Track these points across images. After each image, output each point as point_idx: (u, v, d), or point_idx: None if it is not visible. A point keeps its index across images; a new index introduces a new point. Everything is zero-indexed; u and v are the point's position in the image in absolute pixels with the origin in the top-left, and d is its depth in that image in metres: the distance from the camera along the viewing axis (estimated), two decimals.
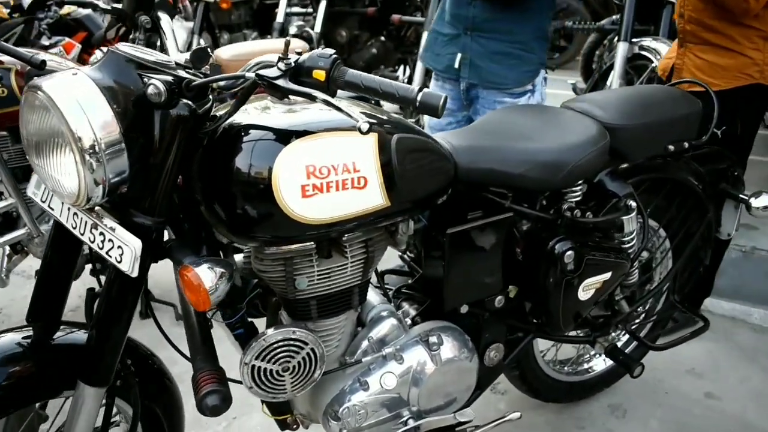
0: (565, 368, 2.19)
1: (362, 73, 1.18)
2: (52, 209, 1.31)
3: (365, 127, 1.08)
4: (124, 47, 1.20)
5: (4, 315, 2.93)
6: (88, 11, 5.31)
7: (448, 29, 2.45)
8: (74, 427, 1.35)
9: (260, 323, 1.55)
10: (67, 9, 5.23)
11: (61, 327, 1.42)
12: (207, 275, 1.21)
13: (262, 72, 1.17)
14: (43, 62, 2.17)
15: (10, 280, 2.58)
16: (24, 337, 1.37)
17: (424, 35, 2.59)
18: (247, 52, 2.49)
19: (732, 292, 2.80)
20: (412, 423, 1.60)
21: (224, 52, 2.74)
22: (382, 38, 4.35)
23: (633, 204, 1.79)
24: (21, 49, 2.18)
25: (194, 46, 3.80)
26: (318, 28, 3.61)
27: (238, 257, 1.50)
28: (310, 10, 3.93)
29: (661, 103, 1.88)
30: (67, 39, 4.74)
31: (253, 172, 1.22)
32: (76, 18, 5.12)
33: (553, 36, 5.94)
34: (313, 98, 1.14)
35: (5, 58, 2.28)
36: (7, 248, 2.56)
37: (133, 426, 1.48)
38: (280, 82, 1.15)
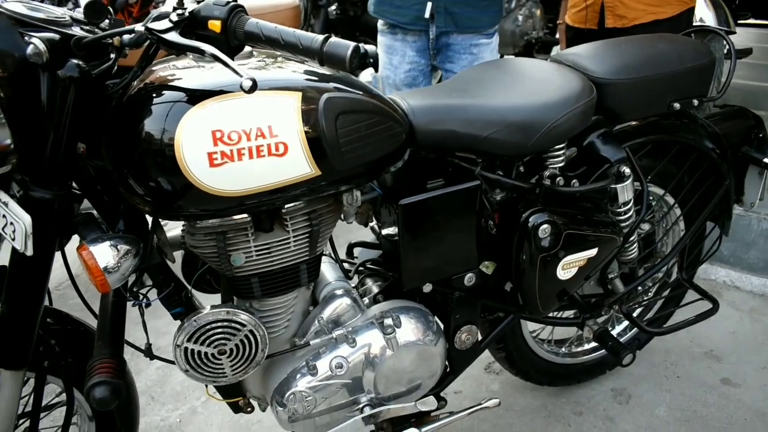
0: (561, 349, 2.01)
1: (264, 23, 1.03)
2: None
3: (247, 84, 0.94)
4: (7, 4, 1.08)
5: None
6: None
7: None
8: None
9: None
10: None
11: None
12: (105, 254, 1.11)
13: (151, 25, 1.03)
14: None
15: None
16: None
17: None
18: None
19: (763, 266, 2.54)
20: (368, 410, 1.47)
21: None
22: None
23: (627, 170, 1.59)
24: None
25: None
26: None
27: (175, 232, 1.39)
28: None
29: (665, 55, 1.65)
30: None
31: (156, 139, 1.08)
32: None
33: None
34: (201, 53, 0.99)
35: None
36: None
37: (68, 409, 1.41)
38: (170, 36, 1.01)
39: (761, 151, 1.87)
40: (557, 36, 3.35)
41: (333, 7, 3.80)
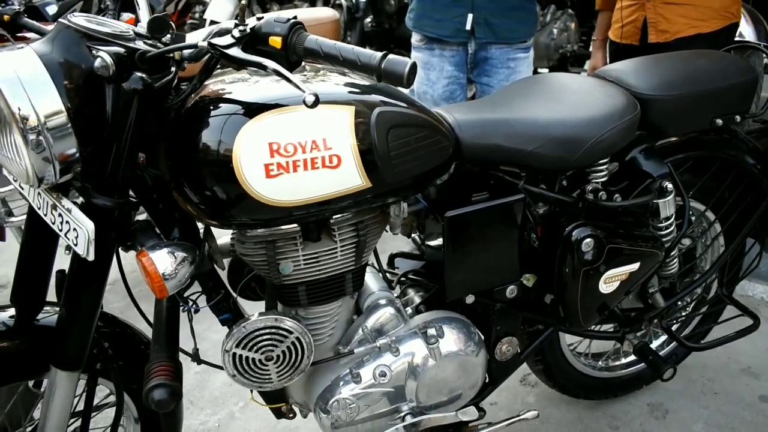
0: (599, 363, 2.01)
1: (322, 39, 1.06)
2: (22, 189, 1.27)
3: (310, 99, 0.97)
4: (76, 18, 1.13)
5: None
6: None
7: None
8: (49, 411, 1.32)
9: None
10: None
11: (45, 308, 1.40)
12: (164, 261, 1.15)
13: (214, 40, 1.07)
14: None
15: None
16: (9, 317, 1.35)
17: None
18: None
19: None
20: (410, 419, 1.49)
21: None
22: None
23: (669, 186, 1.59)
24: (43, 26, 2.17)
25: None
26: None
27: (224, 240, 1.42)
28: None
29: (708, 71, 1.65)
30: (129, 15, 4.81)
31: (214, 150, 1.12)
32: None
33: None
34: (263, 68, 1.03)
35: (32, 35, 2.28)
36: None
37: (117, 410, 1.45)
38: (232, 51, 1.05)
39: None
40: (591, 50, 3.37)
41: (368, 20, 3.84)
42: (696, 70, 1.66)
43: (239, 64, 1.07)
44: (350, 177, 1.19)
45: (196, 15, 5.35)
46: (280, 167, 1.13)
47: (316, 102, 0.97)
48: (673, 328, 2.01)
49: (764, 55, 2.30)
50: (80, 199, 1.18)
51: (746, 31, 2.63)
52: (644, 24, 2.27)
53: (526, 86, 1.64)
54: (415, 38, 2.47)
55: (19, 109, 1.02)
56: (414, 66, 1.02)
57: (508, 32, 2.31)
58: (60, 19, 1.12)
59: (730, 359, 2.22)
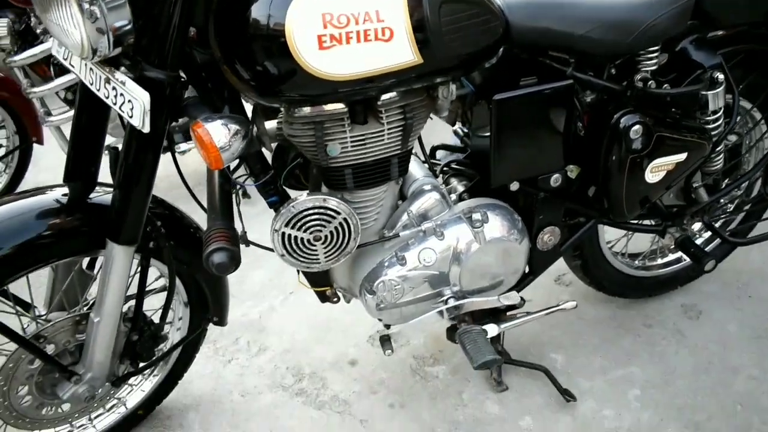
0: (635, 262, 2.02)
1: None
2: (73, 66, 1.28)
3: None
4: None
5: None
6: None
7: None
8: (107, 287, 1.38)
9: None
10: None
11: (97, 188, 1.44)
12: (219, 132, 1.16)
13: None
14: None
15: None
16: (59, 195, 1.40)
17: None
18: None
19: None
20: (452, 302, 1.53)
21: None
22: None
23: (720, 77, 1.56)
24: None
25: None
26: None
27: (272, 123, 1.43)
28: None
29: None
30: None
31: (266, 22, 1.12)
32: None
33: None
34: None
35: None
36: None
37: (170, 287, 1.50)
38: None
39: None
40: None
41: None
42: None
43: None
44: (402, 51, 1.18)
45: None
46: (332, 39, 1.13)
47: None
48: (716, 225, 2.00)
49: None
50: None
51: None
52: None
53: None
54: None
55: None
56: None
57: None
58: None
59: (765, 264, 2.22)
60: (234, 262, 1.22)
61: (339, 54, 1.14)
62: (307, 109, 1.27)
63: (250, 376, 1.94)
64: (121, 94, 1.15)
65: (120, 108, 1.17)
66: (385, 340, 1.54)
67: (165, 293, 1.54)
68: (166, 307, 1.54)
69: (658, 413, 1.74)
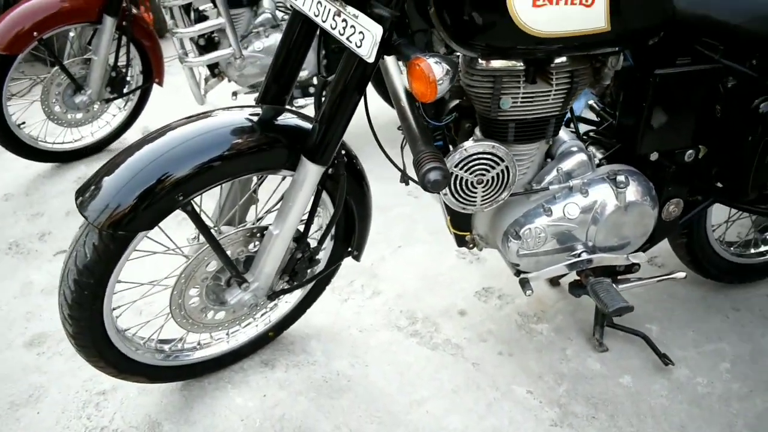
0: (732, 249, 2.17)
1: None
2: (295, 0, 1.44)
3: None
4: None
5: None
6: None
7: None
8: (294, 201, 1.53)
9: None
10: None
11: (284, 112, 1.58)
12: (437, 68, 1.31)
13: None
14: None
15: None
16: (252, 114, 1.52)
17: None
18: None
19: None
20: (585, 256, 1.68)
21: None
22: None
23: None
24: None
25: None
26: None
27: None
28: None
29: None
30: None
31: None
32: None
33: None
34: None
35: None
36: (206, 71, 2.81)
37: (335, 213, 1.65)
38: None
39: None
40: None
41: None
42: None
43: None
44: (597, 18, 1.34)
45: None
46: None
47: None
48: None
49: None
50: None
51: None
52: None
53: None
54: None
55: None
56: None
57: None
58: None
59: None
60: (446, 179, 1.37)
61: (548, 13, 1.30)
62: (492, 63, 1.43)
63: (366, 315, 2.10)
64: (352, 26, 1.31)
65: (347, 39, 1.33)
66: (525, 282, 1.69)
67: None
68: (327, 232, 1.70)
69: (747, 385, 1.88)
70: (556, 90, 1.50)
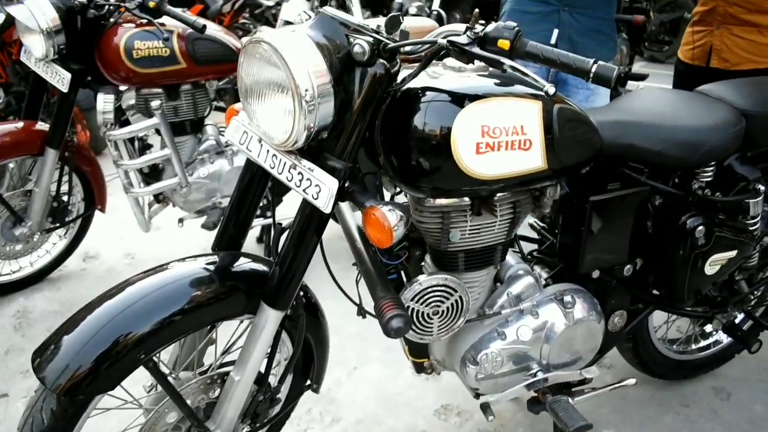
0: (674, 347, 2.27)
1: (540, 45, 1.30)
2: (250, 151, 1.48)
3: (552, 90, 1.21)
4: (330, 10, 1.37)
5: (137, 260, 3.20)
6: None
7: (537, 7, 2.53)
8: (254, 346, 1.53)
9: None
10: None
11: (241, 257, 1.60)
12: (391, 215, 1.36)
13: (453, 39, 1.31)
14: (204, 27, 2.39)
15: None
16: (209, 263, 1.53)
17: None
18: None
19: None
20: (540, 375, 1.73)
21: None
22: (494, 22, 4.42)
23: (761, 188, 1.86)
24: (185, 14, 2.41)
25: None
26: (435, 6, 3.74)
27: None
28: None
29: None
30: (185, 10, 5.05)
31: (434, 128, 1.35)
32: None
33: (659, 30, 5.95)
34: (500, 64, 1.27)
35: (169, 21, 2.51)
36: (150, 197, 2.81)
37: (295, 352, 1.66)
38: (473, 49, 1.29)
39: None
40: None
41: None
42: None
43: (471, 59, 1.31)
44: (535, 159, 1.44)
45: (247, 16, 5.59)
46: (488, 146, 1.37)
47: (555, 93, 1.22)
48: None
49: None
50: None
51: None
52: (711, 49, 2.55)
53: (644, 97, 1.90)
54: None
55: (299, 79, 1.23)
56: (620, 73, 1.27)
57: (588, 52, 2.50)
58: (320, 10, 1.36)
59: None
60: (408, 325, 1.41)
61: (490, 158, 1.39)
62: (440, 200, 1.51)
63: None
64: (308, 179, 1.36)
65: (304, 191, 1.38)
66: (486, 407, 1.72)
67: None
68: (287, 371, 1.70)
69: None
70: (500, 220, 1.58)
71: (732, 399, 2.27)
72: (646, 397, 2.27)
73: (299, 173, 1.38)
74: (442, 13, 3.08)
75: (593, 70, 1.26)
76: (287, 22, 3.03)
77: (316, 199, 1.36)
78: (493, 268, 1.70)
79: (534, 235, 1.96)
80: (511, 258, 1.78)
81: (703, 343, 2.33)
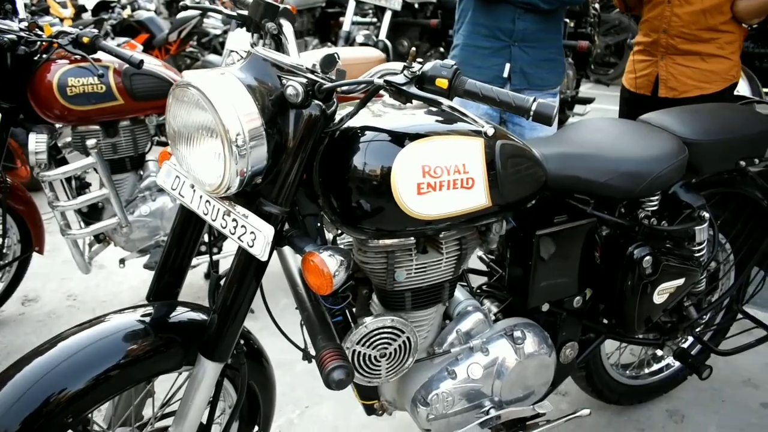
0: (627, 372, 2.26)
1: (480, 83, 1.28)
2: (183, 197, 1.42)
3: (491, 131, 1.19)
4: (262, 51, 1.33)
5: (79, 302, 3.08)
6: (151, 14, 5.57)
7: (488, 42, 2.56)
8: (193, 400, 1.46)
9: None
10: (129, 11, 5.49)
11: (178, 307, 1.54)
12: (331, 261, 1.32)
13: (390, 78, 1.28)
14: (141, 62, 2.32)
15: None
16: (144, 315, 1.47)
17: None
18: None
19: None
20: (493, 412, 1.69)
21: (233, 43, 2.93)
22: (441, 49, 4.50)
23: (706, 215, 1.87)
24: (121, 49, 2.33)
25: None
26: (383, 36, 3.73)
27: None
28: (374, 20, 4.05)
29: (735, 121, 1.96)
30: (130, 40, 4.97)
31: (373, 169, 1.32)
32: (139, 20, 5.38)
33: (604, 53, 6.08)
34: (438, 104, 1.24)
35: (104, 56, 2.43)
36: (90, 237, 2.71)
37: (238, 401, 1.59)
38: (409, 89, 1.26)
39: None
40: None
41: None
42: (727, 120, 1.96)
43: (409, 99, 1.27)
44: (479, 197, 1.41)
45: (194, 44, 5.53)
46: (429, 186, 1.34)
47: (495, 134, 1.19)
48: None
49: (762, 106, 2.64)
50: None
51: (743, 87, 3.00)
52: (657, 79, 2.59)
53: (587, 127, 1.90)
54: None
55: (228, 124, 1.19)
56: (557, 109, 1.26)
57: (540, 80, 2.57)
58: (251, 51, 1.31)
59: (732, 372, 2.51)
60: (350, 377, 1.36)
61: (432, 199, 1.35)
62: (384, 241, 1.47)
63: None
64: (243, 226, 1.31)
65: (239, 238, 1.32)
66: None
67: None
68: (231, 421, 1.63)
69: None
70: (447, 258, 1.55)
71: (686, 421, 2.28)
72: (602, 424, 2.25)
73: (233, 220, 1.33)
74: (388, 43, 3.07)
75: (533, 108, 1.24)
76: (233, 52, 2.98)
77: (251, 246, 1.31)
78: (442, 305, 1.67)
79: (484, 267, 1.93)
80: (460, 294, 1.74)
81: (655, 367, 2.34)
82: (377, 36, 3.70)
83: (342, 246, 1.59)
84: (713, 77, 2.48)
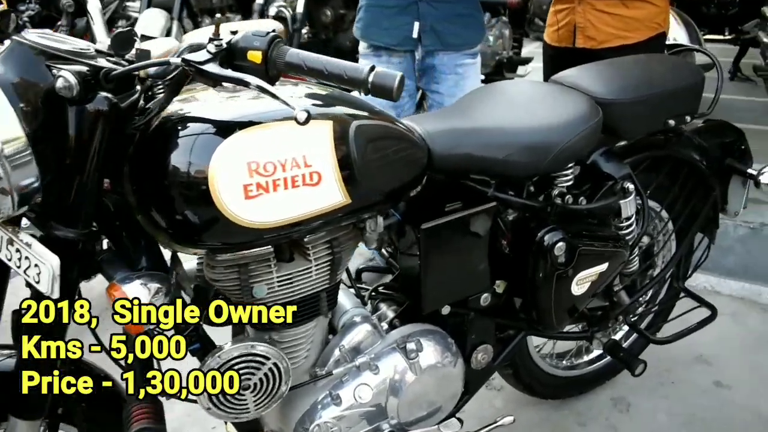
0: (563, 362, 2.04)
1: (305, 53, 1.01)
2: None
3: (302, 116, 0.92)
4: (31, 35, 1.04)
5: None
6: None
7: (394, 0, 2.32)
8: None
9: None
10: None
11: None
12: (139, 293, 1.07)
13: (188, 56, 1.00)
14: None
15: None
16: None
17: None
18: None
19: (741, 271, 2.64)
20: None
21: (195, 37, 2.57)
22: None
23: (631, 186, 1.63)
24: None
25: (173, 34, 3.59)
26: (300, 8, 3.43)
27: (191, 264, 1.35)
28: None
29: (661, 75, 1.70)
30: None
31: (187, 171, 1.06)
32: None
33: (543, 9, 5.73)
34: (246, 84, 0.97)
35: None
36: None
37: None
38: (209, 67, 0.98)
39: (744, 163, 1.94)
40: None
41: (305, 31, 3.78)
42: (650, 74, 1.70)
43: (217, 81, 1.00)
44: (331, 194, 1.15)
45: (60, 30, 5.12)
46: (259, 187, 1.08)
47: (308, 119, 0.93)
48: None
49: (702, 56, 2.38)
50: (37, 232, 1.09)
51: (679, 34, 2.72)
52: (575, 28, 2.32)
53: (487, 95, 1.63)
54: (362, 47, 2.48)
55: None
56: (402, 79, 0.99)
57: (454, 38, 2.33)
58: (13, 37, 1.03)
59: (682, 349, 2.28)
60: None
61: (266, 202, 1.09)
62: (231, 254, 1.21)
63: None
64: (27, 257, 1.05)
65: (25, 272, 1.06)
66: None
67: None
68: None
69: None
70: (317, 265, 1.30)
71: (632, 410, 2.06)
72: (539, 420, 2.03)
73: (17, 250, 1.06)
74: (287, 12, 2.77)
75: (370, 79, 0.98)
76: (145, 37, 2.65)
77: (38, 282, 1.04)
78: (323, 318, 1.41)
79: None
80: (347, 301, 1.49)
81: (594, 354, 2.10)
82: (295, 8, 3.40)
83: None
84: (636, 25, 2.19)
